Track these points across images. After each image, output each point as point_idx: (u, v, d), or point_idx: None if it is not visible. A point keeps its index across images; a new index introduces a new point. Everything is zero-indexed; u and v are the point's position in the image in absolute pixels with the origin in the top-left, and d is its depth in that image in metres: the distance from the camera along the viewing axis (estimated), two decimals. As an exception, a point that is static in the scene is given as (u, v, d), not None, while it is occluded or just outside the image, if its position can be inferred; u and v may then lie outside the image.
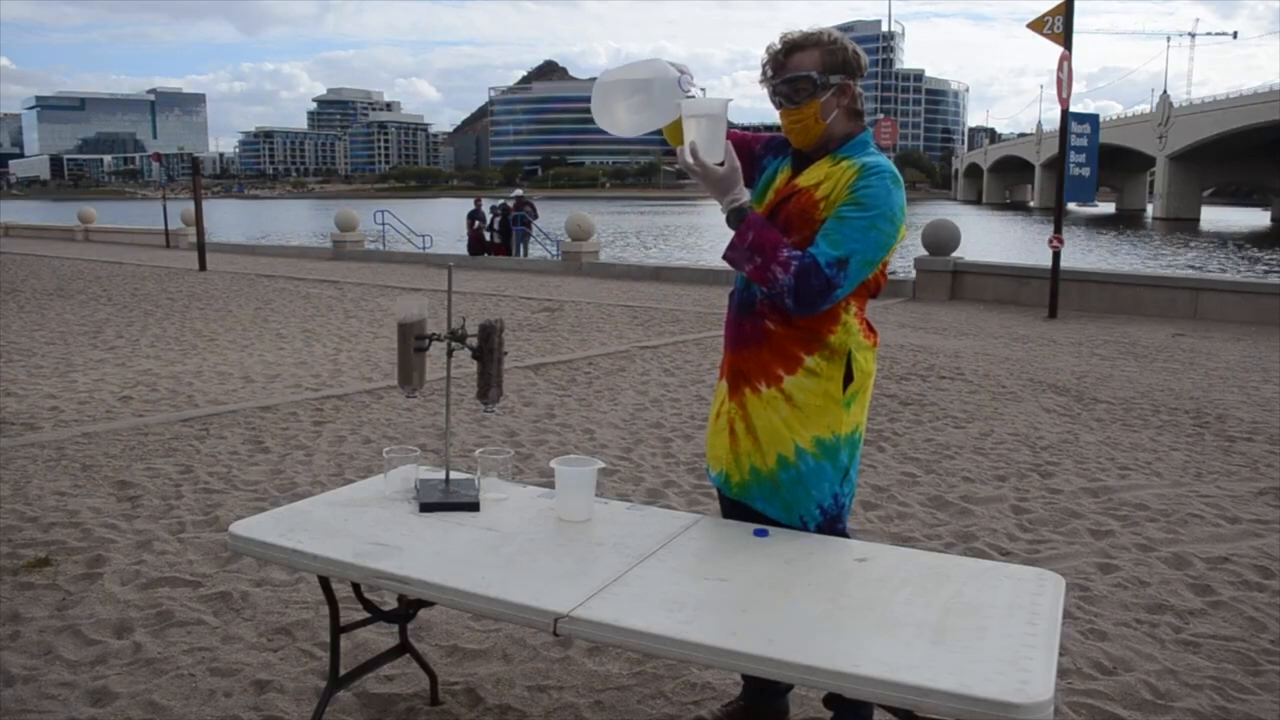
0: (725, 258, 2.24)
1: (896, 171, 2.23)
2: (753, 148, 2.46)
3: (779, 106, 2.27)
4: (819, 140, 2.27)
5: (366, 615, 2.57)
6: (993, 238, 44.63)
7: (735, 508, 2.45)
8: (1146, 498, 4.63)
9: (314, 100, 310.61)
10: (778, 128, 2.40)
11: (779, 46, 2.26)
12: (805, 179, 2.26)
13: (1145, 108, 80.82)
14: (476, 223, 21.51)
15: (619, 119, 2.32)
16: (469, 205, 22.64)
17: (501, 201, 22.16)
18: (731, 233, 2.24)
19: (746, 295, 2.35)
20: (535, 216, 21.73)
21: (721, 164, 2.18)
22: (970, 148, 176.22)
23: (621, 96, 2.32)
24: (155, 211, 24.89)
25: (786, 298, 2.17)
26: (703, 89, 2.30)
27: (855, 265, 2.16)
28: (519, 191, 22.49)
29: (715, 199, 2.24)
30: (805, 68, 2.22)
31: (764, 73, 2.29)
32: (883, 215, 2.17)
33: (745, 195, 2.24)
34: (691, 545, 2.21)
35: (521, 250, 21.47)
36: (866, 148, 2.27)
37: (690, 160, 2.17)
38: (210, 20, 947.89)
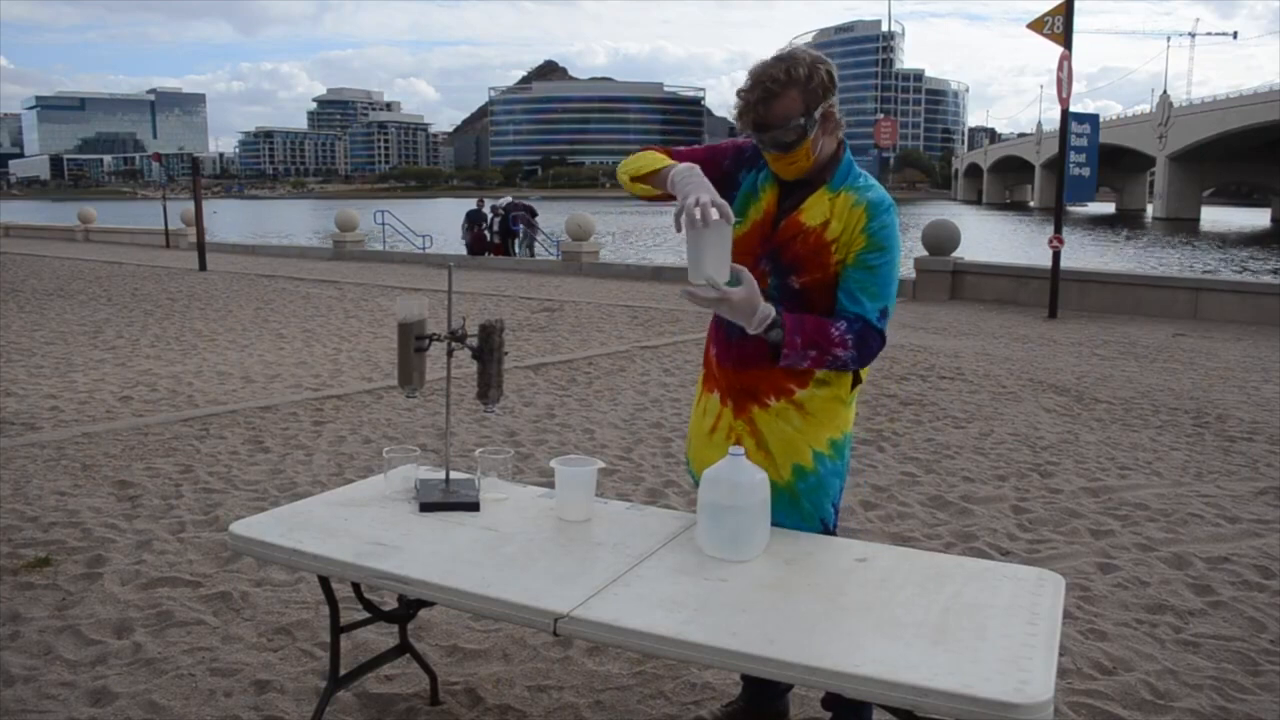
0: (784, 365, 2.15)
1: (889, 197, 2.24)
2: (720, 162, 2.34)
3: (765, 150, 2.19)
4: (810, 171, 2.22)
5: (366, 615, 2.57)
6: (993, 238, 44.63)
7: None
8: (1146, 498, 4.63)
9: (314, 100, 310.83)
10: None
11: (755, 94, 2.11)
12: (808, 217, 2.20)
13: (1145, 108, 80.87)
14: (478, 226, 21.55)
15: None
16: (469, 205, 22.67)
17: (506, 200, 22.30)
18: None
19: None
20: (533, 217, 21.77)
21: (737, 284, 2.05)
22: (970, 148, 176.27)
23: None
24: (155, 211, 24.89)
25: (851, 366, 2.20)
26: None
27: (892, 307, 2.22)
28: (508, 198, 22.66)
29: (740, 323, 2.09)
30: (791, 114, 2.11)
31: (740, 118, 2.16)
32: (899, 253, 2.23)
33: (770, 309, 2.08)
34: (691, 545, 2.21)
35: (525, 251, 21.55)
36: (854, 173, 2.24)
37: (704, 294, 2.03)
38: (208, 20, 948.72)
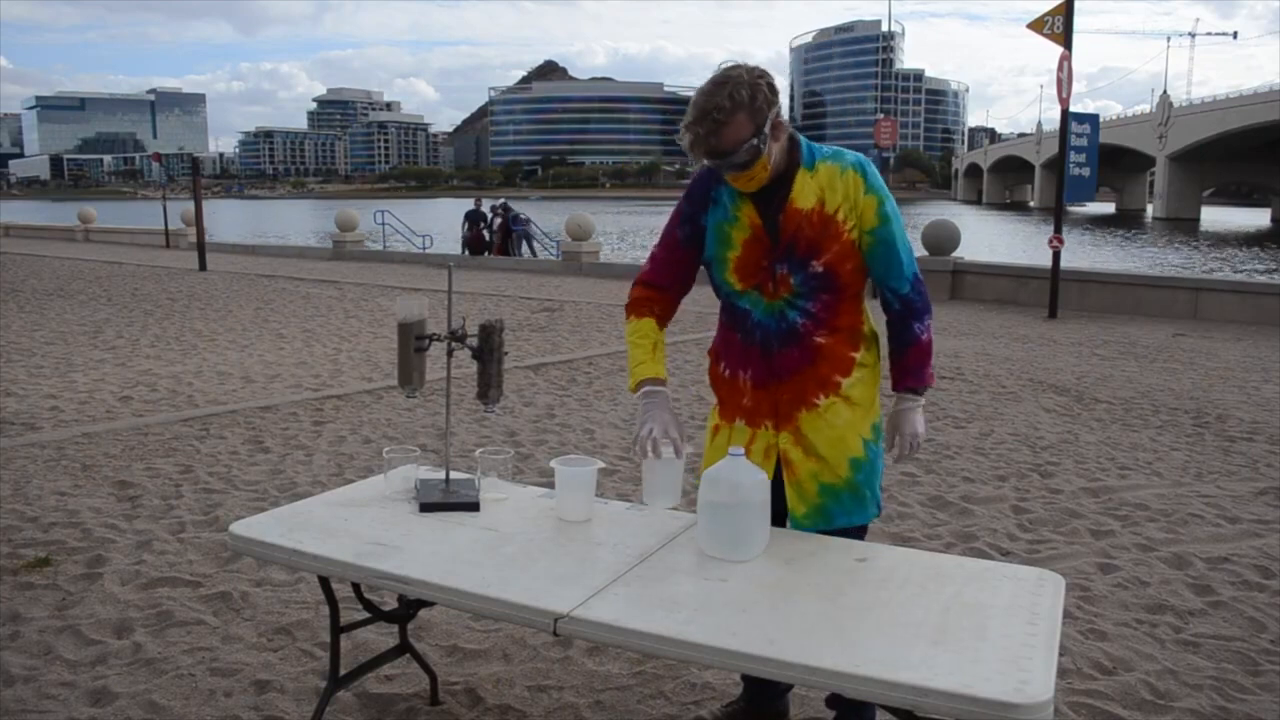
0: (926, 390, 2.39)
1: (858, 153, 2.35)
2: (680, 225, 2.37)
3: (725, 174, 2.21)
4: (771, 176, 2.23)
5: (366, 615, 2.57)
6: (993, 238, 44.66)
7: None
8: (1146, 498, 4.63)
9: (314, 100, 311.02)
10: None
11: (705, 127, 2.11)
12: (803, 201, 2.22)
13: (1145, 108, 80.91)
14: (480, 224, 21.59)
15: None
16: (469, 205, 22.70)
17: (502, 201, 22.38)
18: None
19: (783, 326, 2.28)
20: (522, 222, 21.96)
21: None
22: (970, 148, 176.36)
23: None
24: (155, 211, 24.89)
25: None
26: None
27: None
28: (502, 200, 22.92)
29: (920, 429, 2.41)
30: (742, 138, 2.11)
31: (693, 151, 2.15)
32: (890, 192, 2.31)
33: (904, 399, 2.37)
34: (691, 545, 2.21)
35: (519, 251, 21.64)
36: (814, 145, 2.29)
37: (905, 458, 2.41)
38: (208, 20, 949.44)
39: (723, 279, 2.33)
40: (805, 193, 2.23)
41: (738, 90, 2.10)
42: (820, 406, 2.31)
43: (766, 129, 2.13)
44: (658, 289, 2.43)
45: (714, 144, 2.12)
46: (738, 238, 2.27)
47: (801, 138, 2.28)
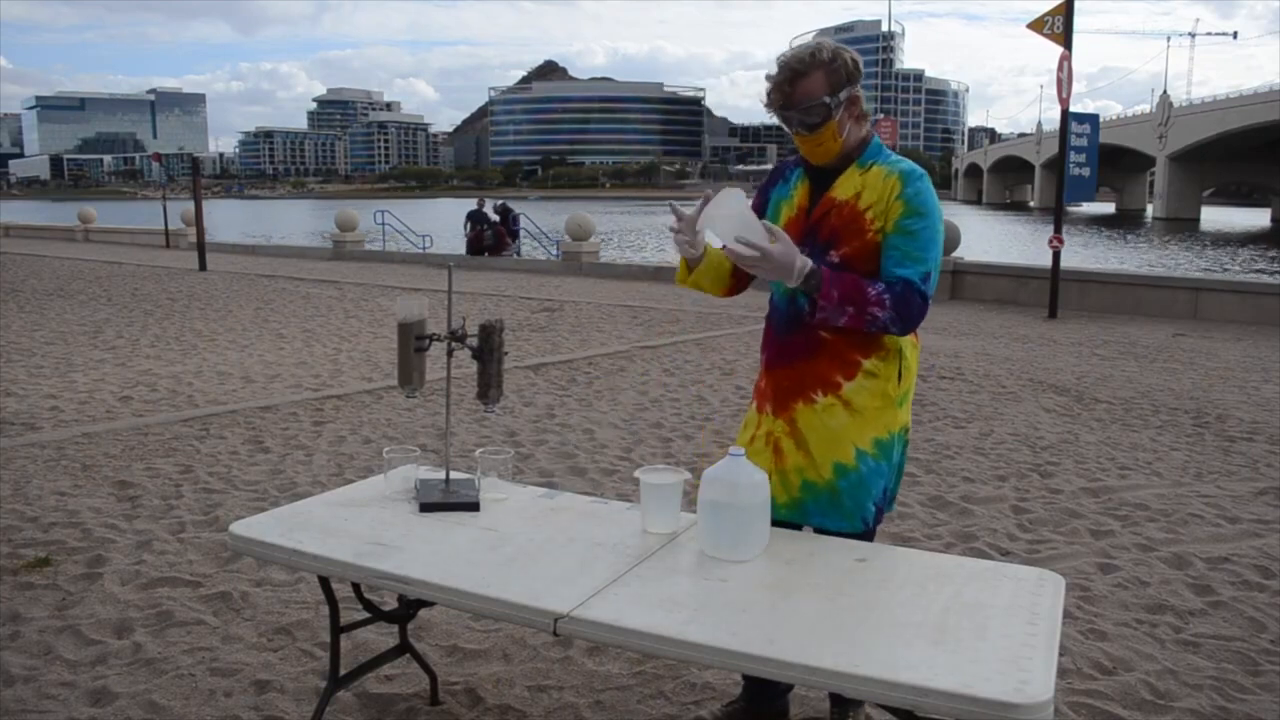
0: (817, 320, 2.21)
1: (921, 168, 2.31)
2: (755, 199, 2.47)
3: (794, 132, 2.28)
4: (839, 155, 2.29)
5: (366, 615, 2.57)
6: (993, 238, 44.66)
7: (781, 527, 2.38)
8: (1146, 498, 4.63)
9: (314, 100, 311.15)
10: (780, 128, 2.43)
11: (782, 75, 2.23)
12: (840, 191, 2.28)
13: (1145, 108, 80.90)
14: (479, 226, 21.60)
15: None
16: (470, 205, 22.74)
17: (501, 202, 22.45)
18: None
19: (792, 310, 2.33)
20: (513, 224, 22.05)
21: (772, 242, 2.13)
22: (970, 148, 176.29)
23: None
24: (155, 212, 24.91)
25: (892, 328, 2.22)
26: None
27: (936, 271, 2.25)
28: (500, 201, 23.11)
29: (781, 279, 2.18)
30: (814, 94, 2.21)
31: (769, 100, 2.26)
32: (939, 217, 2.28)
33: (809, 262, 2.17)
34: (692, 545, 2.21)
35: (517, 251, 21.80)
36: (884, 151, 2.32)
37: (743, 250, 2.12)
38: (207, 20, 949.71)
39: None
40: (847, 185, 2.28)
41: (819, 52, 2.22)
42: (818, 404, 2.32)
43: (842, 95, 2.21)
44: None
45: (788, 91, 2.23)
46: (786, 214, 2.36)
47: (878, 142, 2.32)
